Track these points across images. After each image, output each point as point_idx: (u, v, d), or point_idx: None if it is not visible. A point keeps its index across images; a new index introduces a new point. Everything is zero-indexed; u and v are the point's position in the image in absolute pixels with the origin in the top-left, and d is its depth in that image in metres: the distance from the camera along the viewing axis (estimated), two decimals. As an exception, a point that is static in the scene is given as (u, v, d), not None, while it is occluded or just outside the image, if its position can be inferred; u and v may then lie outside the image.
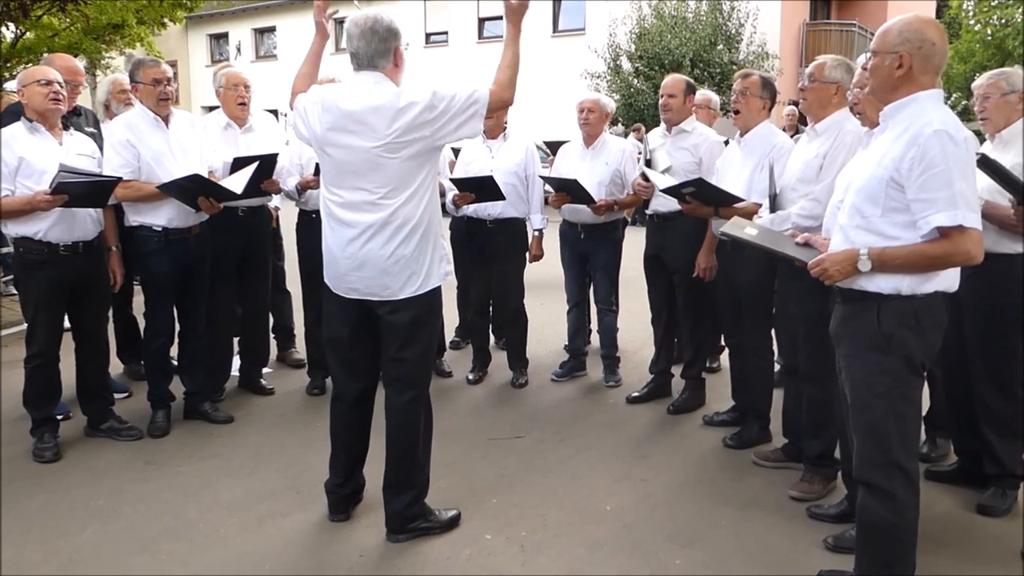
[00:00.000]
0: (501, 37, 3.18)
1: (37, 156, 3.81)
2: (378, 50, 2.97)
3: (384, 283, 3.02)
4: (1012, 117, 3.38)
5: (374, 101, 2.92)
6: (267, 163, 4.34)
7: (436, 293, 3.16)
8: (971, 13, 30.07)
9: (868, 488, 2.58)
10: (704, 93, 5.31)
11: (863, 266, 2.46)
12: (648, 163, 4.56)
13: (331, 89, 3.09)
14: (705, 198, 3.88)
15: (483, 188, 4.57)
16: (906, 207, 2.40)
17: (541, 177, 5.01)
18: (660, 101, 4.59)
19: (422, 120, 2.90)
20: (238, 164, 4.26)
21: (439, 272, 3.13)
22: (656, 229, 4.67)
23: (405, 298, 3.04)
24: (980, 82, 3.49)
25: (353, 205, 2.99)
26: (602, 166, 4.90)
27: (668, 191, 4.02)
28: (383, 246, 2.98)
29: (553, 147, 8.71)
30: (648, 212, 4.75)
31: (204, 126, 4.54)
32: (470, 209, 4.90)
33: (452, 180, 4.85)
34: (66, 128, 4.04)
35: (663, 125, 4.65)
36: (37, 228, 3.83)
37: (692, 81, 4.71)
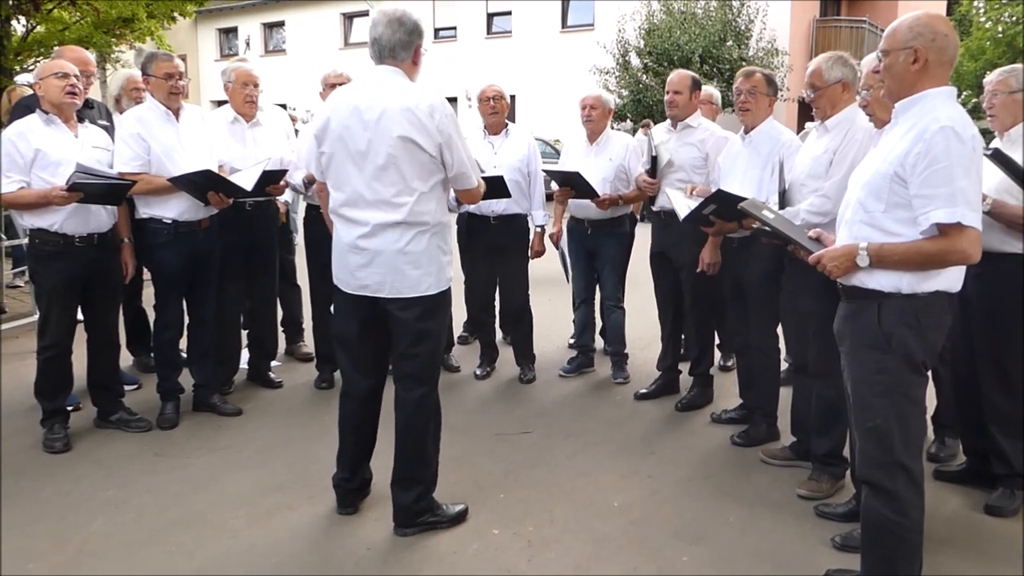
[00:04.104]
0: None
1: (53, 148, 3.83)
2: (401, 41, 2.98)
3: (395, 279, 3.02)
4: (1019, 115, 3.34)
5: (390, 98, 2.91)
6: (276, 173, 4.40)
7: (447, 292, 3.17)
8: (982, 10, 29.85)
9: (871, 488, 2.57)
10: (705, 89, 5.26)
11: (861, 261, 2.45)
12: (654, 159, 4.55)
13: (347, 88, 3.10)
14: (727, 213, 3.73)
15: (490, 187, 4.52)
16: (909, 203, 2.38)
17: (544, 171, 4.99)
18: (666, 98, 4.58)
19: (431, 129, 2.91)
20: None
21: (447, 275, 3.15)
22: (662, 226, 4.67)
23: (416, 296, 3.04)
24: (990, 78, 3.46)
25: (366, 202, 2.99)
26: (606, 162, 4.90)
27: (690, 217, 3.93)
28: (395, 242, 2.98)
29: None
30: (654, 209, 4.74)
31: (212, 120, 4.56)
32: (472, 206, 4.85)
33: None
34: (81, 121, 4.06)
35: (668, 121, 4.65)
36: (52, 220, 3.85)
37: (698, 77, 4.70)
